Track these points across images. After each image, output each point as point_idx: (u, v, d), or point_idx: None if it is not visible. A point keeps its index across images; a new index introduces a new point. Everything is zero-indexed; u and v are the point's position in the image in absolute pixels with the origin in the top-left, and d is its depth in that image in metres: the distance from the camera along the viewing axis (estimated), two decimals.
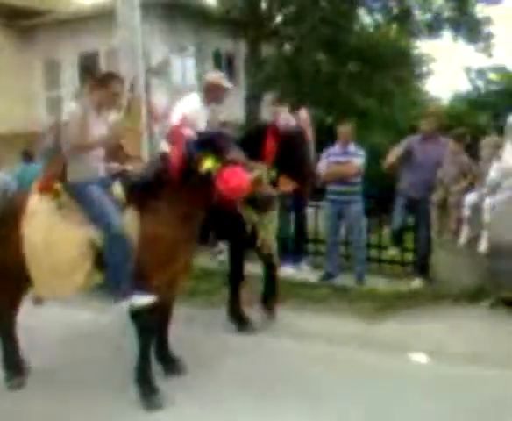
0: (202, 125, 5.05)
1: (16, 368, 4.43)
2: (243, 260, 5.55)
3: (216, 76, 5.58)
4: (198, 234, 4.30)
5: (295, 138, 5.23)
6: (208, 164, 3.88)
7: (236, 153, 3.98)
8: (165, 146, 4.66)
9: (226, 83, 5.51)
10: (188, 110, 5.12)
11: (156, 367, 4.33)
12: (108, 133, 4.16)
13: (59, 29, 17.07)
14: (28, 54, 17.73)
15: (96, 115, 4.14)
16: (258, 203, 4.14)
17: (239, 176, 3.87)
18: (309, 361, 4.70)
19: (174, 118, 5.09)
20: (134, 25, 7.56)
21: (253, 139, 5.07)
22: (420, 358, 4.79)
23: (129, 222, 3.99)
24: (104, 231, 3.93)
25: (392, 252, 7.14)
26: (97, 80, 4.23)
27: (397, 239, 7.00)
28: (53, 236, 4.00)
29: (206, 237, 4.93)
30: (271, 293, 5.75)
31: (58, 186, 4.14)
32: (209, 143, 3.99)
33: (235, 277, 5.53)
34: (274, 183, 4.80)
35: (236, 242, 5.42)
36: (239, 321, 5.49)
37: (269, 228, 5.31)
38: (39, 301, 5.43)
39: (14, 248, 4.06)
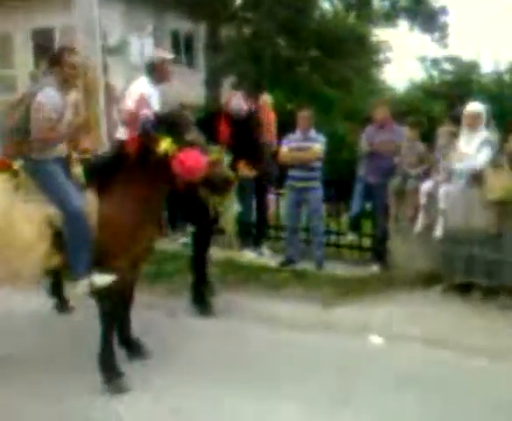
0: (155, 107, 5.00)
1: None
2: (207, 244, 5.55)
3: (157, 52, 5.67)
4: (160, 217, 4.28)
5: (247, 122, 5.25)
6: (165, 145, 3.85)
7: (194, 135, 3.96)
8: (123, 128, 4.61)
9: (168, 55, 5.54)
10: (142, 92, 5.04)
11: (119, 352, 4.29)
12: (70, 129, 4.06)
13: (12, 4, 16.44)
14: None
15: (63, 96, 4.03)
16: (215, 185, 4.12)
17: (196, 157, 3.86)
18: (270, 345, 4.74)
19: (129, 101, 5.03)
20: (91, 2, 7.37)
21: (208, 123, 5.05)
22: (378, 341, 4.92)
23: (88, 203, 3.95)
24: (63, 211, 3.89)
25: (350, 237, 7.28)
26: (54, 57, 4.10)
27: (355, 225, 7.15)
28: (11, 216, 3.90)
29: (174, 221, 4.91)
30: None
31: (16, 165, 4.06)
32: (167, 124, 3.97)
33: (198, 261, 5.52)
34: (233, 167, 4.81)
35: (200, 226, 5.41)
36: (201, 305, 5.50)
37: (228, 212, 5.32)
38: None
39: None
